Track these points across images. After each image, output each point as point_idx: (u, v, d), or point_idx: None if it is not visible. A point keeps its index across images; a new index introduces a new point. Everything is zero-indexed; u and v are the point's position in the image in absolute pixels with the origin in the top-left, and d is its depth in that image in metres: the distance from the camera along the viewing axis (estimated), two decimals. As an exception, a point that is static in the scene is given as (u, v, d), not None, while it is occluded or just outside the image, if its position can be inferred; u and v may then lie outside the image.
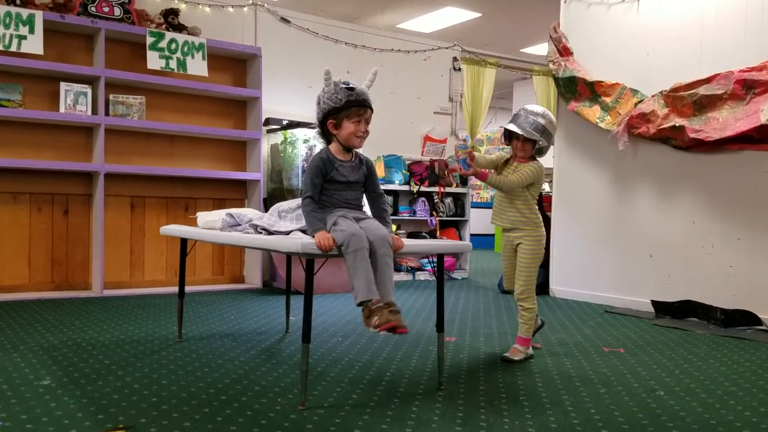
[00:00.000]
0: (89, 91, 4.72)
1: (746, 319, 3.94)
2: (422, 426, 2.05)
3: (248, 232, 2.74)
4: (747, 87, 3.97)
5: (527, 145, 3.01)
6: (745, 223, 4.10)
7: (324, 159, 2.41)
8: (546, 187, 7.10)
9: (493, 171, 3.18)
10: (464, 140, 3.31)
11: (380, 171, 6.14)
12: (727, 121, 4.06)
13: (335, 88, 2.38)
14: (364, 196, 2.55)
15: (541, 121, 2.97)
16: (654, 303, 4.43)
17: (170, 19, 5.07)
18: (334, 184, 2.41)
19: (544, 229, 3.08)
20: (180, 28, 5.10)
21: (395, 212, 6.24)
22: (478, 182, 3.73)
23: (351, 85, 2.39)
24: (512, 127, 3.00)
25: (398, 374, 2.68)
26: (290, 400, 2.28)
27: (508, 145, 3.11)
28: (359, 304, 2.19)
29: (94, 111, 4.74)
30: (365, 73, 2.55)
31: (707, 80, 4.17)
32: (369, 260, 2.21)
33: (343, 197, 2.43)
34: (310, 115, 2.48)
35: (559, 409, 2.27)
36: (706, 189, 4.31)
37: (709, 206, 4.30)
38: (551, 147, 3.17)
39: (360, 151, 2.52)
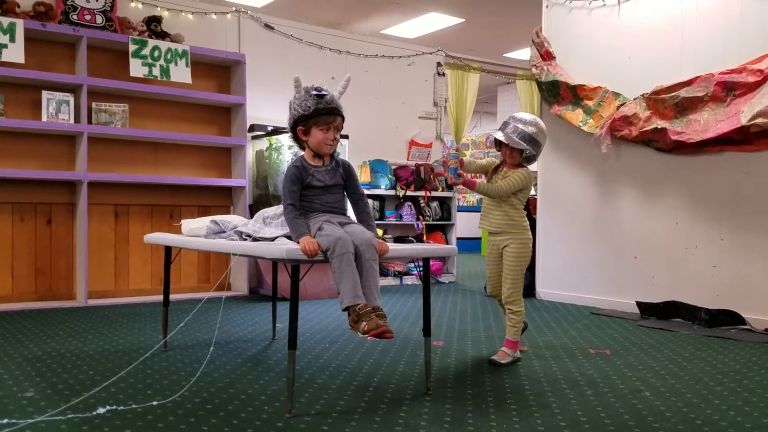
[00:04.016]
0: (71, 99, 4.69)
1: (730, 318, 3.97)
2: (410, 431, 2.04)
3: (233, 239, 2.73)
4: (727, 89, 4.02)
5: (515, 152, 3.04)
6: (728, 223, 4.15)
7: (298, 167, 2.42)
8: (531, 190, 7.15)
9: (482, 176, 3.20)
10: (457, 149, 3.34)
11: (366, 176, 6.14)
12: (708, 123, 4.10)
13: (305, 95, 2.38)
14: (348, 200, 2.56)
15: (529, 130, 2.99)
16: (639, 304, 4.46)
17: (153, 26, 5.05)
18: (312, 190, 2.42)
19: (530, 233, 3.10)
20: (163, 35, 5.07)
21: (381, 217, 6.24)
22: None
23: (322, 92, 2.38)
24: (499, 136, 3.03)
25: (385, 379, 2.68)
26: (277, 408, 2.27)
27: (498, 150, 3.13)
28: (345, 309, 2.18)
29: (77, 119, 4.71)
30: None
31: (688, 83, 4.21)
32: (354, 264, 2.21)
33: (323, 201, 2.43)
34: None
35: (546, 411, 2.27)
36: (689, 190, 4.35)
37: (692, 207, 4.34)
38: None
39: (342, 155, 2.52)
